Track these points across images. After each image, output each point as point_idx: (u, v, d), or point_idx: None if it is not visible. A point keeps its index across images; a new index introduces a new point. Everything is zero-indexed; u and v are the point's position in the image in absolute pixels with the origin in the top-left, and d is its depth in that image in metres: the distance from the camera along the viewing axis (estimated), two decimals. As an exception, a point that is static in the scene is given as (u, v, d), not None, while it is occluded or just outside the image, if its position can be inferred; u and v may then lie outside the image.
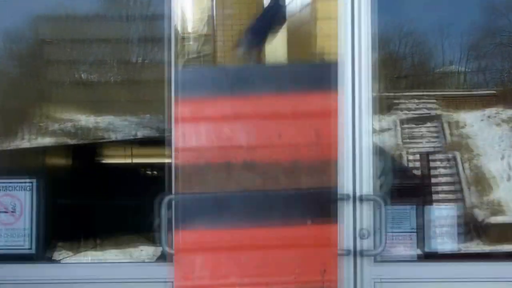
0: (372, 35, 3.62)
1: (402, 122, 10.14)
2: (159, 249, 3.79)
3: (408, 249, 3.94)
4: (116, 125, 5.68)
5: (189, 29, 12.81)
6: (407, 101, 10.05)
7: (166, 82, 3.74)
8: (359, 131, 3.58)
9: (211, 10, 9.07)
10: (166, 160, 3.69)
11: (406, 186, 4.03)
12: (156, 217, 3.63)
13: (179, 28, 10.38)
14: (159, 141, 4.00)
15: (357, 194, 3.57)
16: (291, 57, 5.36)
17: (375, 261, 3.61)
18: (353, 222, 3.56)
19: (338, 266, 3.32)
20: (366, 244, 3.58)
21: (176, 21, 3.82)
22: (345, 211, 3.52)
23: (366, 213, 3.58)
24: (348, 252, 3.55)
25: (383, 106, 3.77)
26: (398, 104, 9.90)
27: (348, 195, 3.55)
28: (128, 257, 3.99)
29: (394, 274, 3.63)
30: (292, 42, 5.47)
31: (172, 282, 3.36)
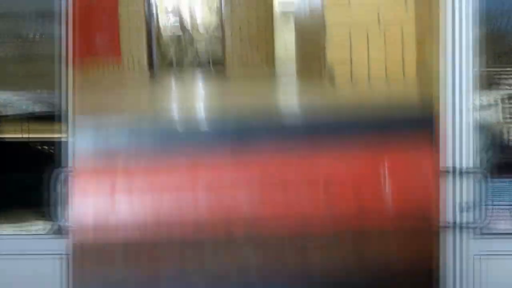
0: (473, 10, 3.62)
1: (504, 98, 9.89)
2: (54, 223, 3.77)
3: (508, 223, 3.91)
4: (10, 100, 5.57)
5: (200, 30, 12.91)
6: (509, 77, 9.77)
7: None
8: (459, 106, 3.60)
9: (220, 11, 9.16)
10: (58, 135, 3.73)
11: (507, 160, 3.98)
12: (50, 192, 3.63)
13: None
14: (52, 117, 4.00)
15: (458, 167, 3.60)
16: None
17: (475, 235, 3.64)
18: (453, 196, 3.61)
19: (439, 240, 3.37)
20: (467, 218, 3.60)
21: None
22: (447, 184, 3.58)
23: (467, 187, 3.61)
24: (449, 226, 3.58)
25: (485, 82, 3.75)
26: (500, 80, 9.66)
27: (449, 168, 3.59)
28: (23, 231, 3.97)
29: (495, 248, 3.65)
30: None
31: (68, 255, 3.43)
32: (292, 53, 13.10)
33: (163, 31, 12.67)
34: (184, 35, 12.80)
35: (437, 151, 3.42)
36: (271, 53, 9.10)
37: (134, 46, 8.93)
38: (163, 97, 6.67)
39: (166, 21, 12.84)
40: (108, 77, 8.50)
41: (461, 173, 3.56)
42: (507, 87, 4.02)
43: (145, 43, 9.00)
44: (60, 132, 3.81)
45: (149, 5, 9.19)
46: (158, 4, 10.71)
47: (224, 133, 3.27)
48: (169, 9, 13.31)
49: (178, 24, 12.88)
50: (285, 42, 13.29)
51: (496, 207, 3.85)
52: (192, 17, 13.29)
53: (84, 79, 4.03)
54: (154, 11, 9.48)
